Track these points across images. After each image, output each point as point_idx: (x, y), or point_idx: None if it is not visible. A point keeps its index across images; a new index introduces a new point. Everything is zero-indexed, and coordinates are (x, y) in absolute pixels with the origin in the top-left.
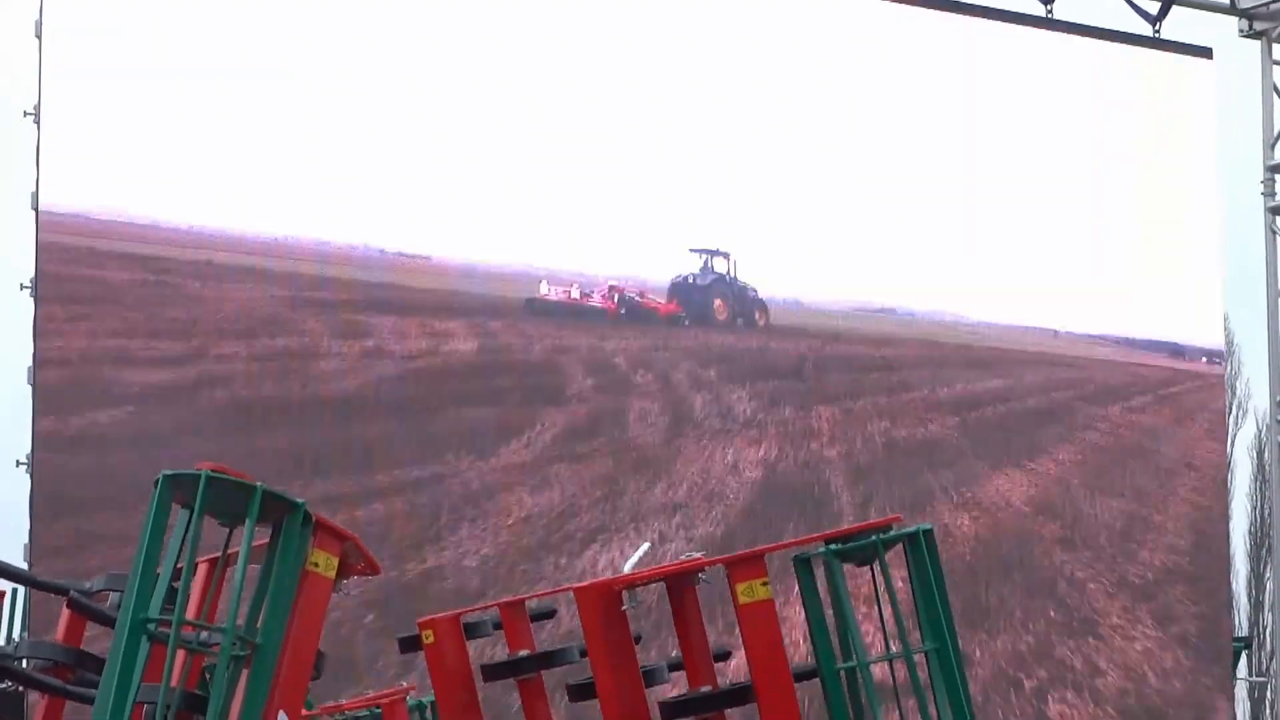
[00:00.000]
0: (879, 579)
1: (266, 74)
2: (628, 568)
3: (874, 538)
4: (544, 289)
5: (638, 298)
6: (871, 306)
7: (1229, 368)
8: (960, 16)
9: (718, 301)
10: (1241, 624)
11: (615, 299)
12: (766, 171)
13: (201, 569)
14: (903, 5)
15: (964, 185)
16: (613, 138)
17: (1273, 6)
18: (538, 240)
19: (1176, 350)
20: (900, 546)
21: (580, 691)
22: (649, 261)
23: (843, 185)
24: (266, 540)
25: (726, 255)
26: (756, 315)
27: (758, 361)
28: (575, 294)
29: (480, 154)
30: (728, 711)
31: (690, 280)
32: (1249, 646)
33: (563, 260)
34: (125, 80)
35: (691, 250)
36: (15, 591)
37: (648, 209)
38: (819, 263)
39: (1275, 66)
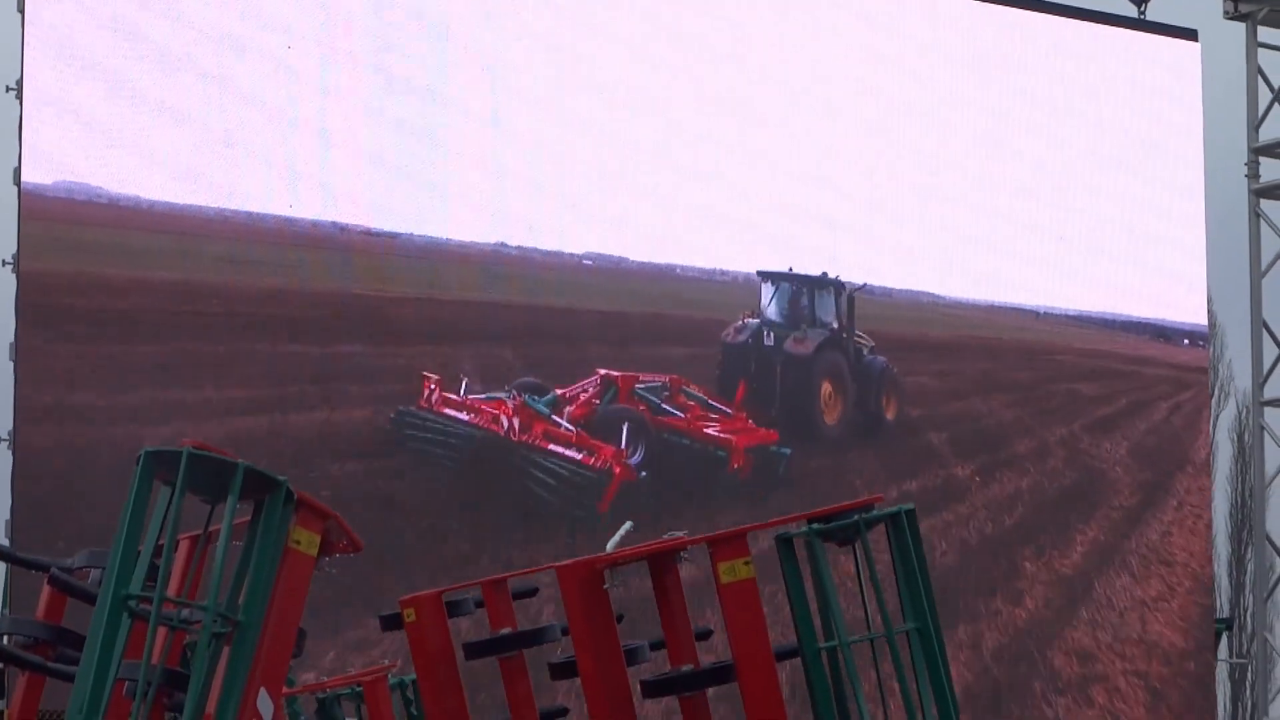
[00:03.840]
0: (861, 559)
1: (247, 54)
2: (610, 546)
3: (856, 517)
4: (429, 393)
5: (659, 400)
6: (850, 285)
7: (1212, 349)
8: None
9: (826, 385)
10: (1222, 606)
11: (618, 429)
12: (739, 146)
13: (183, 546)
14: None
15: (946, 165)
16: (585, 112)
17: None
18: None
19: (1159, 331)
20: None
21: (562, 670)
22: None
23: (819, 162)
24: (248, 518)
25: (838, 286)
26: (884, 401)
27: None
28: (505, 424)
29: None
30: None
31: (773, 339)
32: (1230, 628)
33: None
34: (107, 57)
35: (762, 275)
36: None
37: (638, 178)
38: (795, 240)
39: (1260, 48)
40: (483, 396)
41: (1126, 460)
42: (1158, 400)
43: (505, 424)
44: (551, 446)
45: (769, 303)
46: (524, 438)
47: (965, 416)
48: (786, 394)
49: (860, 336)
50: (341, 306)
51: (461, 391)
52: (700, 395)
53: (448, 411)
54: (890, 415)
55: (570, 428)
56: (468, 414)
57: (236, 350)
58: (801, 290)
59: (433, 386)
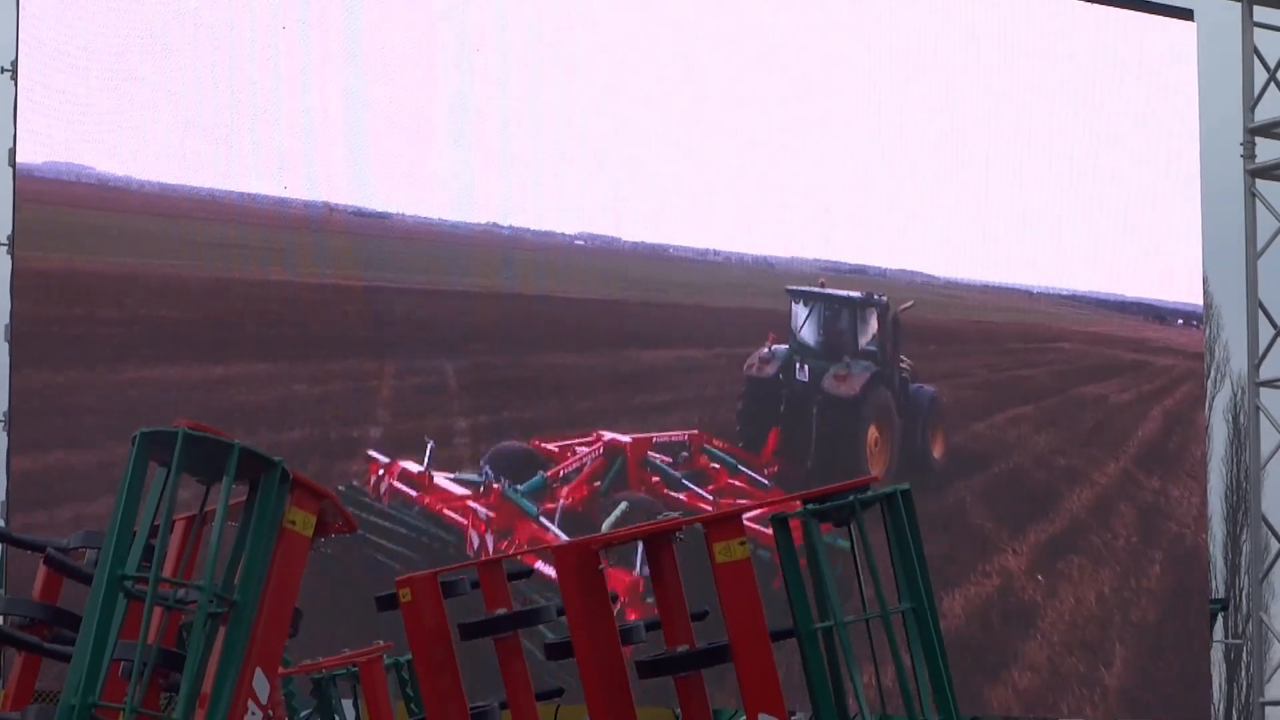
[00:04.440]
0: (856, 539)
1: (242, 32)
2: (606, 526)
3: (851, 498)
4: (377, 480)
5: (676, 472)
6: (844, 265)
7: (1207, 330)
8: None
9: (873, 430)
10: (1218, 587)
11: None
12: (732, 125)
13: (179, 526)
14: None
15: (940, 143)
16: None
17: None
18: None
19: (1155, 312)
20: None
21: (557, 650)
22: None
23: (813, 142)
24: (244, 498)
25: (882, 306)
26: (931, 438)
27: None
28: (475, 542)
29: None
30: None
31: (808, 372)
32: (1225, 609)
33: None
34: (105, 37)
35: (792, 291)
36: None
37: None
38: (788, 219)
39: (1255, 28)
40: (451, 478)
41: (1116, 440)
42: (1194, 410)
43: (476, 541)
44: (541, 564)
45: (801, 325)
46: (504, 545)
47: (994, 447)
48: (825, 442)
49: (902, 361)
50: (323, 305)
51: (425, 460)
52: (726, 456)
53: (402, 488)
54: (938, 453)
55: (565, 540)
56: (427, 498)
57: (232, 326)
58: (840, 311)
59: (381, 472)
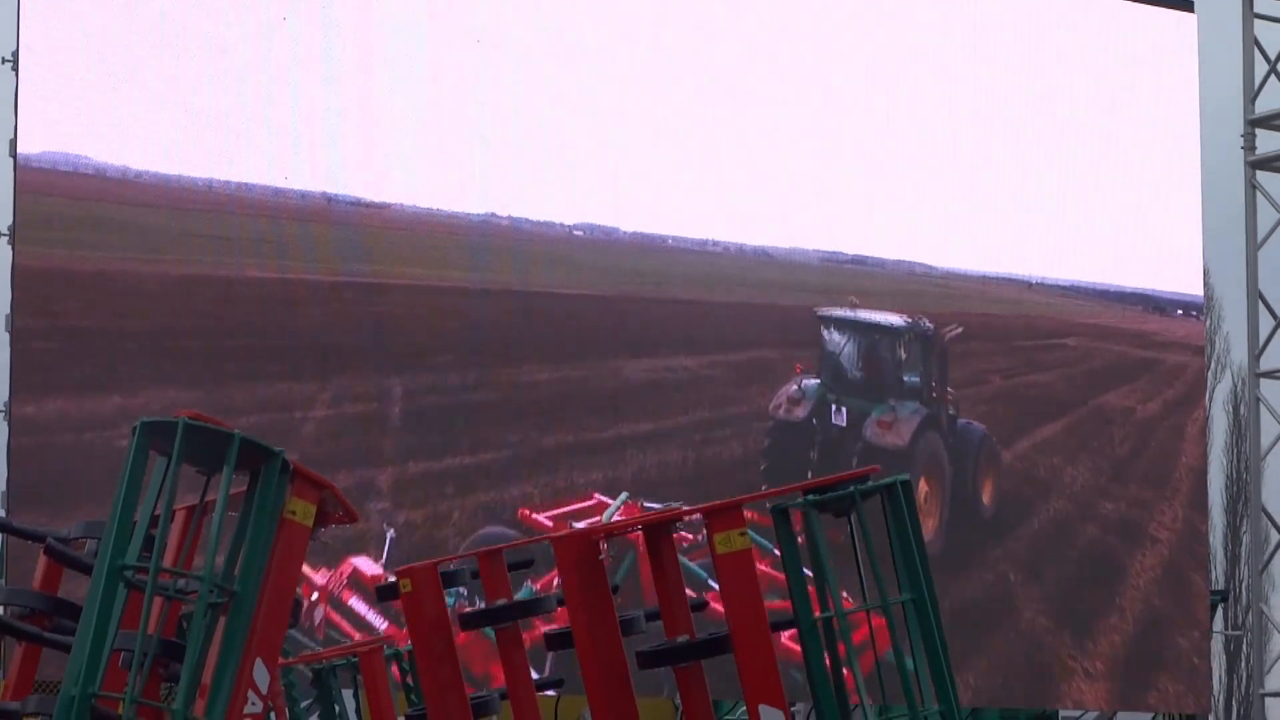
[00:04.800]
0: (856, 530)
1: (242, 23)
2: (606, 517)
3: (851, 488)
4: (309, 606)
5: (702, 571)
6: (843, 256)
7: (1208, 322)
8: None
9: (923, 484)
10: (1218, 578)
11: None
12: (729, 115)
13: (179, 516)
14: None
15: (939, 133)
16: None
17: None
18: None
19: (1155, 303)
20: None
21: (558, 641)
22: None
23: (810, 129)
24: (244, 488)
25: (925, 334)
26: (981, 483)
27: None
28: None
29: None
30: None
31: (845, 415)
32: (1225, 600)
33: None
34: (105, 26)
35: (824, 317)
36: None
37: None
38: (787, 210)
39: (1256, 19)
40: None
41: (1117, 432)
42: (1150, 372)
43: None
44: None
45: (837, 357)
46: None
47: (1029, 488)
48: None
49: (949, 395)
50: (290, 305)
51: (384, 555)
52: (760, 538)
53: (339, 619)
54: (987, 498)
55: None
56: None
57: (234, 319)
58: (879, 340)
59: (314, 597)
